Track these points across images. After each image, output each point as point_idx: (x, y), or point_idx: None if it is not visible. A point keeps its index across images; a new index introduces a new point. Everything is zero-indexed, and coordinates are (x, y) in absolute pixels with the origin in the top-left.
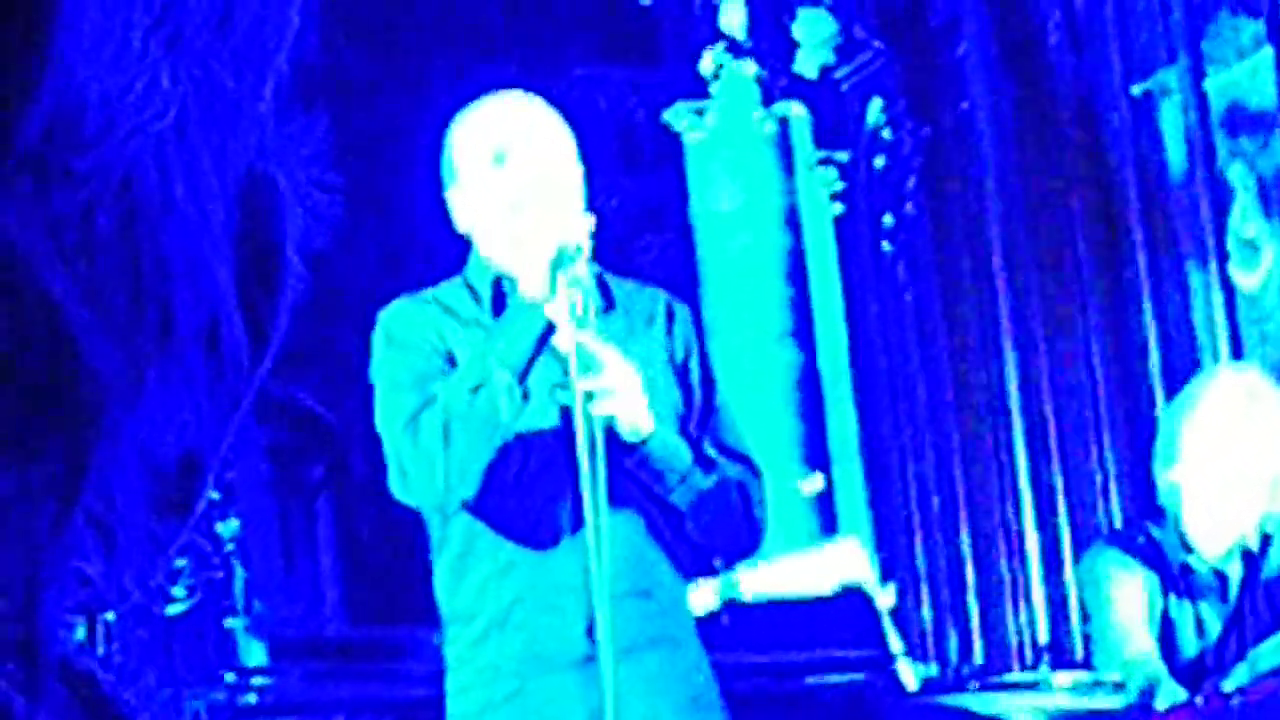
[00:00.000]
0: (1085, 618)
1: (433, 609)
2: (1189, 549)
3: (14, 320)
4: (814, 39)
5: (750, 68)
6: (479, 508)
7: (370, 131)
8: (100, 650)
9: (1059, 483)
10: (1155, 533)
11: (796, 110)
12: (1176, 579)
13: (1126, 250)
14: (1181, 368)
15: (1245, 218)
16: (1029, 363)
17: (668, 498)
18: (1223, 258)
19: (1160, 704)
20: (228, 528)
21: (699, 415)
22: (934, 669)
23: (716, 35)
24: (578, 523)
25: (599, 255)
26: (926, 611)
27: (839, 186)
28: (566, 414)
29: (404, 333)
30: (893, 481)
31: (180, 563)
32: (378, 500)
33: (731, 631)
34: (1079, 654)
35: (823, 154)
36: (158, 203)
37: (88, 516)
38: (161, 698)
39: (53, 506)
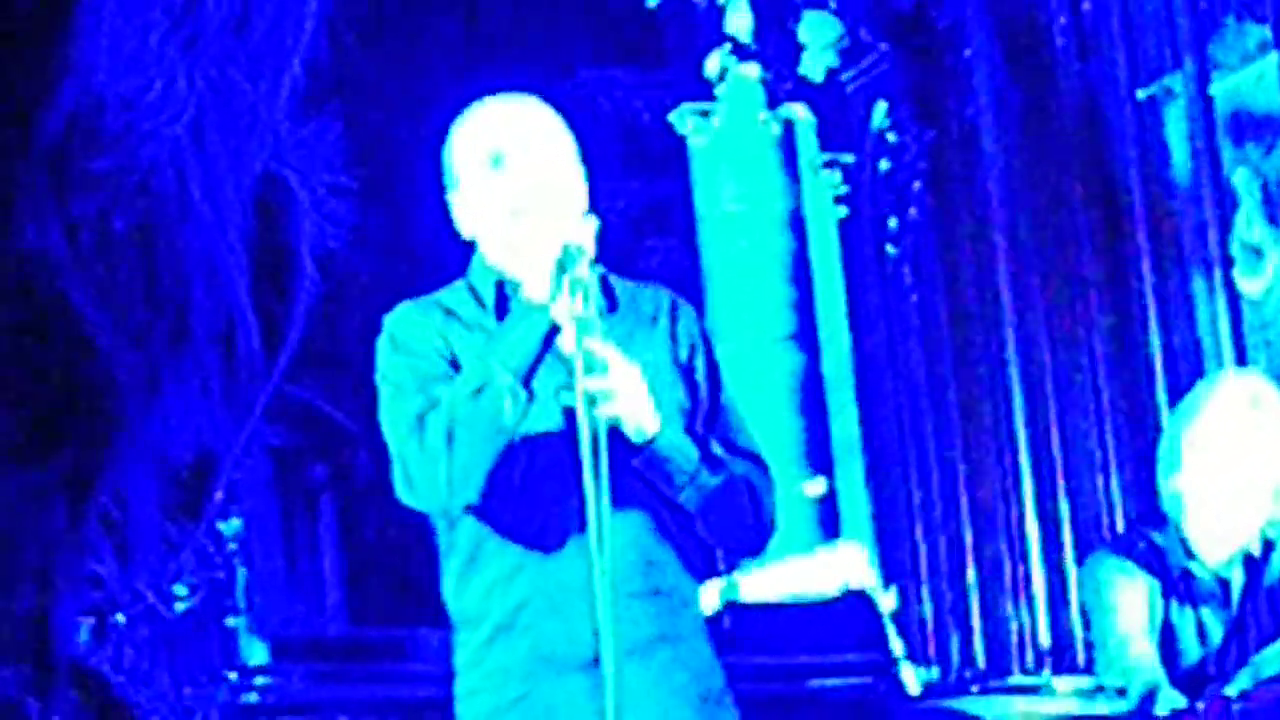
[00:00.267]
0: (1086, 624)
1: (435, 610)
2: (1191, 555)
3: (31, 322)
4: (819, 42)
5: (755, 70)
6: (484, 511)
7: (381, 134)
8: (110, 651)
9: (1062, 488)
10: (1157, 539)
11: (801, 113)
12: (1178, 585)
13: (1131, 254)
14: (1185, 372)
15: (1250, 223)
16: (1033, 365)
17: (676, 498)
18: (1227, 263)
19: (1160, 710)
20: (230, 527)
21: (705, 414)
22: (936, 673)
23: (722, 38)
24: (584, 524)
25: (603, 256)
26: (928, 615)
27: (843, 189)
28: (571, 416)
29: (408, 337)
30: (895, 486)
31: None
32: (380, 500)
33: (733, 634)
34: (1080, 659)
35: (827, 157)
36: (174, 206)
37: (102, 518)
38: (172, 700)
39: (67, 508)
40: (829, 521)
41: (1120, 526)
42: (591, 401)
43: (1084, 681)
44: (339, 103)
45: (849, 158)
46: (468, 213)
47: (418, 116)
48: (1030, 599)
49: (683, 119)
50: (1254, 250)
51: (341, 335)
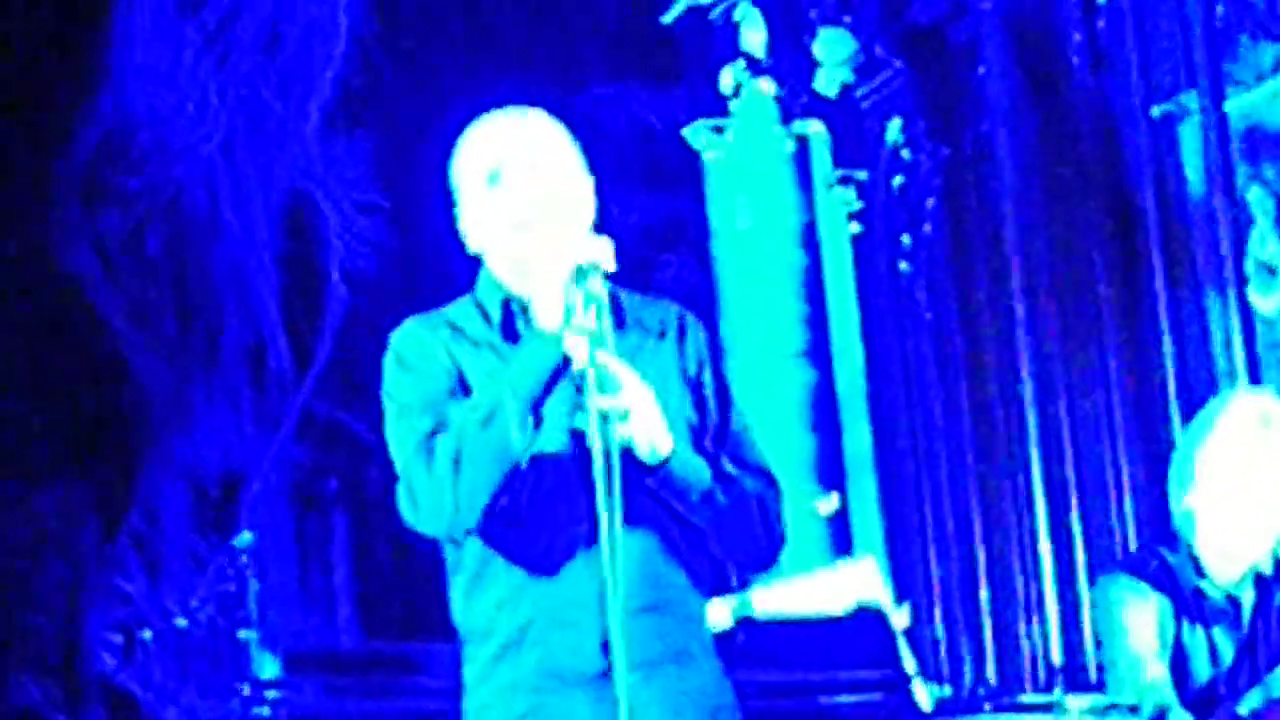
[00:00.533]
0: (1099, 643)
1: (446, 623)
2: (1202, 574)
3: (65, 340)
4: (834, 58)
5: (770, 86)
6: (488, 533)
7: (406, 152)
8: (138, 668)
9: (1075, 504)
10: (1169, 558)
11: (816, 129)
12: (1189, 605)
13: (1145, 272)
14: (1198, 389)
15: (1264, 241)
16: (1046, 384)
17: (689, 516)
18: (1241, 281)
19: None
20: (242, 540)
21: (715, 429)
22: (948, 690)
23: (737, 53)
24: (590, 541)
25: (615, 272)
26: (941, 632)
27: (857, 205)
28: (578, 436)
29: (414, 356)
30: (908, 502)
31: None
32: (392, 514)
33: (746, 650)
34: (1093, 677)
35: (841, 173)
36: (205, 224)
37: (132, 535)
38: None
39: (98, 525)
40: (841, 538)
41: (1133, 544)
42: (604, 420)
43: (1097, 699)
44: (370, 122)
45: (863, 174)
46: (471, 228)
47: (434, 132)
48: (1043, 616)
49: (697, 134)
50: (1268, 268)
51: (356, 349)
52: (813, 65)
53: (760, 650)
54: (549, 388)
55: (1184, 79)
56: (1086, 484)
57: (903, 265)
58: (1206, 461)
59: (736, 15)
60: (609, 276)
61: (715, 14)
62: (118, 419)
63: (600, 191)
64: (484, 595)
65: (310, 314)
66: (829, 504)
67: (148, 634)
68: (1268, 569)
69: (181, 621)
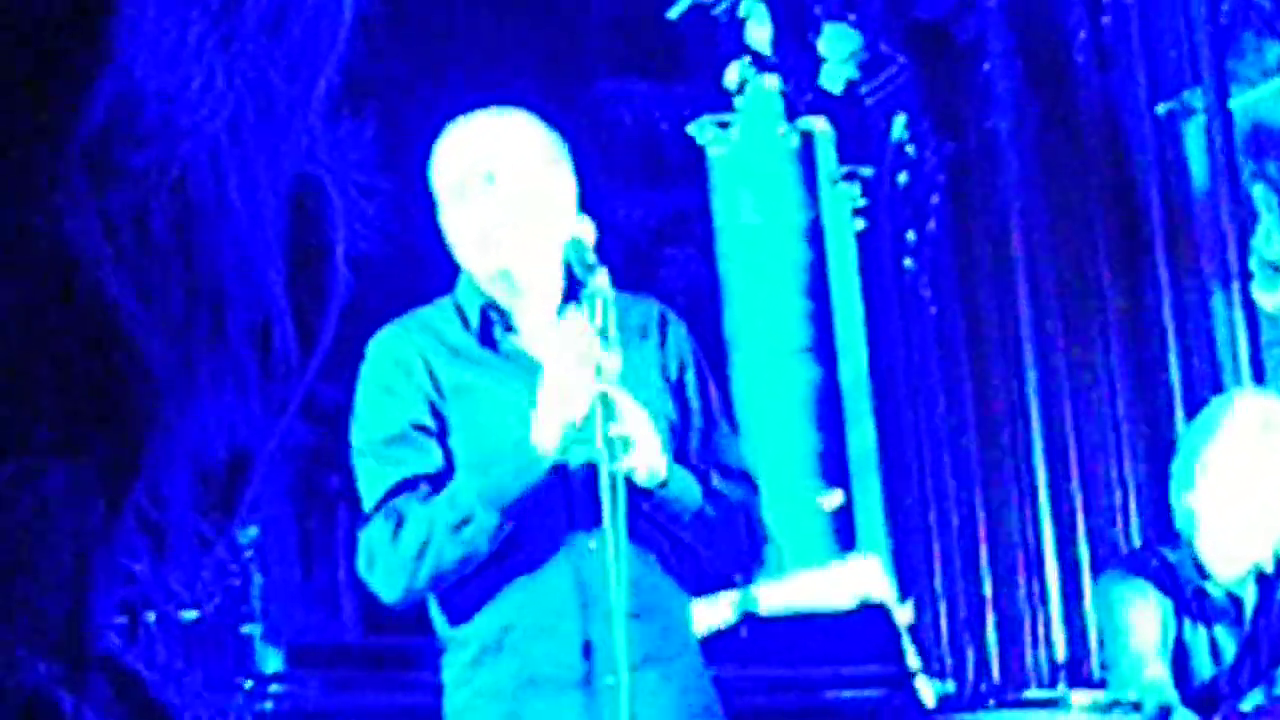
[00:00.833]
0: (1101, 641)
1: None
2: (1203, 573)
3: (70, 318)
4: (839, 54)
5: (775, 82)
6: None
7: (413, 139)
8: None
9: (1079, 500)
10: (1170, 556)
11: (820, 125)
12: (1190, 603)
13: (1149, 269)
14: (1202, 387)
15: (1269, 239)
16: (1050, 380)
17: (679, 534)
18: (1245, 278)
19: None
20: (246, 534)
21: (700, 431)
22: (951, 686)
23: (742, 49)
24: (570, 546)
25: (622, 266)
26: (944, 628)
27: (862, 202)
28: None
29: (388, 374)
30: (912, 498)
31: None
32: None
33: (749, 646)
34: (1096, 673)
35: (846, 169)
36: (212, 203)
37: (138, 516)
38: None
39: (103, 505)
40: (845, 534)
41: (1137, 540)
42: (610, 448)
43: (1100, 695)
44: (374, 105)
45: (868, 170)
46: (448, 239)
47: (439, 120)
48: (1046, 613)
49: (702, 130)
50: (1272, 265)
51: (362, 335)
52: (818, 61)
53: (764, 645)
54: (524, 501)
55: (1189, 76)
56: (1090, 479)
57: (907, 261)
58: (1209, 463)
59: (741, 11)
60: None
61: (720, 10)
62: (124, 397)
63: (605, 187)
64: (463, 600)
65: (316, 297)
66: (833, 500)
67: (152, 616)
68: (1269, 567)
69: (190, 614)
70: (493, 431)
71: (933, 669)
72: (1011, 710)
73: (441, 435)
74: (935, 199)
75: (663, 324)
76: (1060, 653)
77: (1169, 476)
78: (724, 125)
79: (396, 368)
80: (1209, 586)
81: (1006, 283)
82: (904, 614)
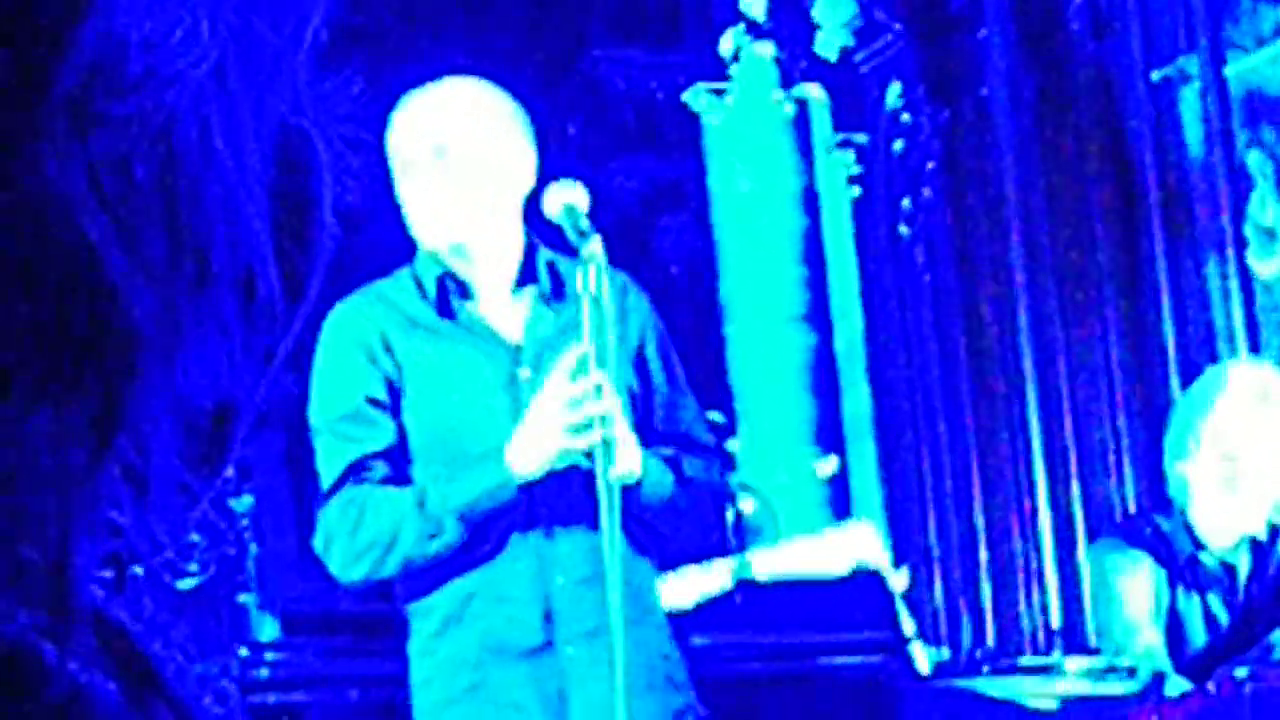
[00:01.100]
0: (1095, 609)
1: None
2: (1197, 542)
3: (52, 264)
4: (834, 21)
5: (769, 50)
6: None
7: (399, 95)
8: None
9: (1074, 467)
10: (1163, 525)
11: (815, 93)
12: (1184, 571)
13: (1144, 236)
14: (1197, 354)
15: (1264, 206)
16: (1045, 348)
17: (650, 523)
18: (1240, 245)
19: (1170, 692)
20: (241, 503)
21: (662, 402)
22: (946, 652)
23: (736, 17)
24: (529, 517)
25: (616, 234)
26: (939, 595)
27: (857, 170)
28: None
29: (342, 351)
30: (907, 465)
31: (194, 538)
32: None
33: (744, 612)
34: (1092, 640)
35: (841, 137)
36: (196, 152)
37: (121, 465)
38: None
39: (86, 451)
40: (840, 501)
41: (1132, 506)
42: (606, 448)
43: (1096, 661)
44: (361, 58)
45: (862, 138)
46: (403, 211)
47: (428, 76)
48: (1041, 579)
49: (697, 98)
50: (1267, 233)
51: (349, 289)
52: (812, 29)
53: (759, 612)
54: (490, 511)
55: (1184, 43)
56: (1085, 446)
57: (902, 229)
58: (1203, 433)
59: None
60: (544, 242)
61: None
62: (106, 344)
63: (600, 155)
64: (425, 571)
65: (302, 248)
66: (828, 466)
67: (139, 569)
68: (1263, 535)
69: (187, 582)
70: (452, 402)
71: (928, 635)
72: (1006, 676)
73: (396, 408)
74: (930, 166)
75: (623, 294)
76: (1055, 619)
77: (1163, 445)
78: (719, 93)
79: (351, 343)
80: (1202, 555)
81: (1001, 250)
82: (899, 580)
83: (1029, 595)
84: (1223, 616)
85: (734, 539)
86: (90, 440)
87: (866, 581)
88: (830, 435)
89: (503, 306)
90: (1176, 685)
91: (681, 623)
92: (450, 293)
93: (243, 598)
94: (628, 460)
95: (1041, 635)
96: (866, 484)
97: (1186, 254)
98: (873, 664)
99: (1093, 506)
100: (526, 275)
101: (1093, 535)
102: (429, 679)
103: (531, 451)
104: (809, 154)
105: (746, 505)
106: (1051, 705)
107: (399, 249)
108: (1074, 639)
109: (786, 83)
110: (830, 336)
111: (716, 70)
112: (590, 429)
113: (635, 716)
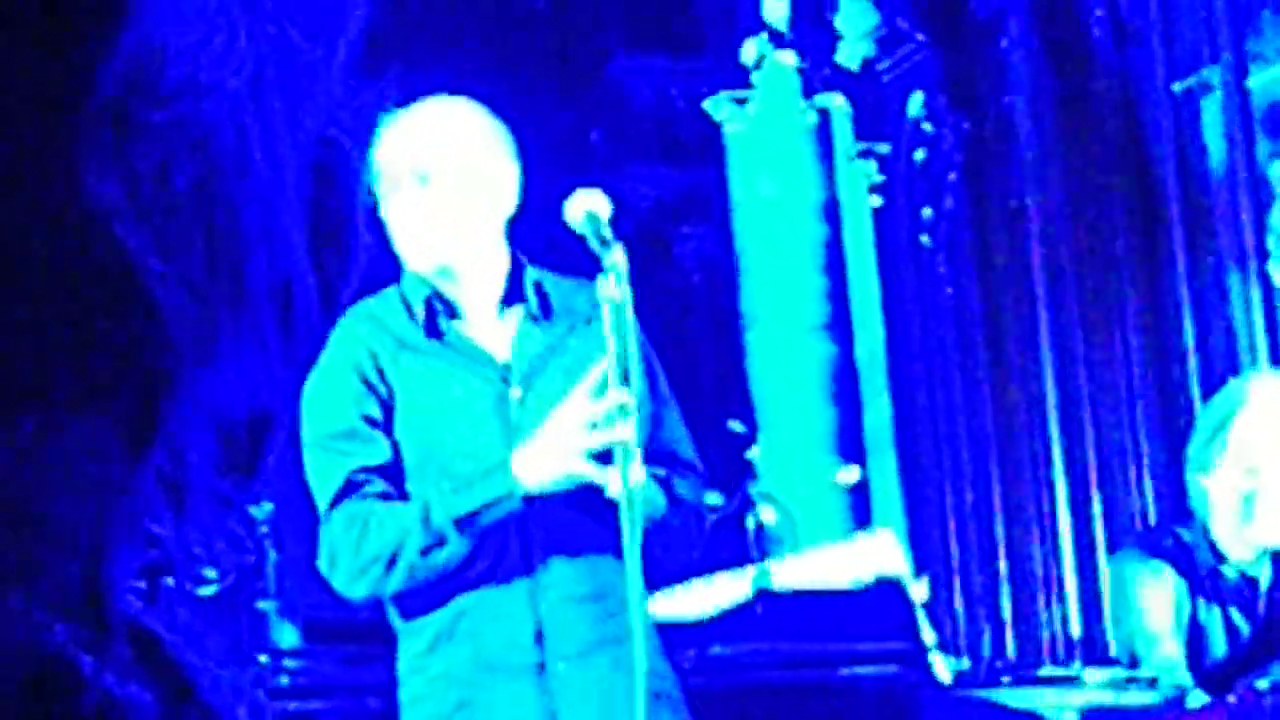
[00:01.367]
0: (1115, 620)
1: None
2: (1218, 554)
3: (91, 276)
4: (856, 31)
5: (792, 58)
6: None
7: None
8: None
9: (1094, 478)
10: (1184, 536)
11: (837, 102)
12: (1205, 583)
13: (1166, 247)
14: (1219, 365)
15: None
16: (1066, 358)
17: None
18: (1262, 256)
19: (1191, 704)
20: (261, 511)
21: (649, 418)
22: (967, 663)
23: (759, 25)
24: (524, 541)
25: (639, 243)
26: (960, 605)
27: (879, 179)
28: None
29: (336, 369)
30: (928, 475)
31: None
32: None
33: (765, 622)
34: (1112, 650)
35: (863, 146)
36: (234, 162)
37: (158, 475)
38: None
39: (124, 463)
40: (861, 510)
41: (1153, 517)
42: (626, 455)
43: (1116, 672)
44: (395, 71)
45: (884, 147)
46: (387, 232)
47: (457, 91)
48: (1062, 589)
49: (719, 106)
50: None
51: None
52: (835, 38)
53: (779, 621)
54: (489, 522)
55: (1207, 54)
56: (1106, 457)
57: (924, 239)
58: (1225, 445)
59: None
60: (533, 261)
61: None
62: (144, 355)
63: (621, 164)
64: (426, 588)
65: (338, 259)
66: (849, 476)
67: (171, 580)
68: None
69: (207, 590)
70: (442, 422)
71: (948, 645)
72: (1027, 687)
73: (389, 427)
74: (952, 176)
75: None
76: (1076, 629)
77: (1185, 456)
78: (741, 102)
79: (344, 362)
80: (1223, 568)
81: (1023, 259)
82: (919, 590)
83: (1049, 605)
84: (1244, 628)
85: (755, 548)
86: (128, 450)
87: (887, 591)
88: (851, 445)
89: (490, 326)
90: (1197, 697)
91: (702, 632)
92: (438, 313)
93: (262, 605)
94: (638, 476)
95: (1062, 646)
96: (887, 493)
97: (1208, 265)
98: (893, 674)
99: (1113, 517)
100: (513, 294)
101: (1113, 546)
102: (419, 696)
103: (543, 467)
104: (831, 163)
105: (767, 515)
106: (1072, 716)
107: None
108: (1094, 650)
109: (808, 92)
110: (851, 346)
111: (739, 79)
112: (610, 462)
113: None
